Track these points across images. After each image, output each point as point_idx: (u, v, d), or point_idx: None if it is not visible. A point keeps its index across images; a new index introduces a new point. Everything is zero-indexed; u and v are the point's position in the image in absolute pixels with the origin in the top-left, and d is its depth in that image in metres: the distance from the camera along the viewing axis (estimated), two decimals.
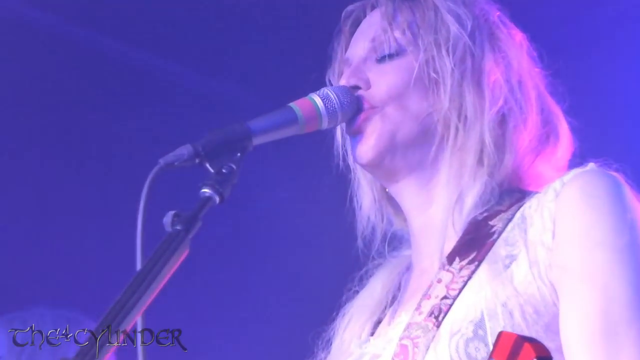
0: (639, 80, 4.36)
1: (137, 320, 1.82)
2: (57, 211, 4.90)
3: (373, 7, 2.47)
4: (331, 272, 2.79)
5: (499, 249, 2.21)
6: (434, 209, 2.35)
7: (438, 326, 2.16)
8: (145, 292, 1.82)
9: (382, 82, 2.35)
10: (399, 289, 2.43)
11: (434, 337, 2.15)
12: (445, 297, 2.19)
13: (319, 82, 2.45)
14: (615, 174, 2.21)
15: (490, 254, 2.21)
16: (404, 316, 2.27)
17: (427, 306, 2.20)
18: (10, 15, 4.46)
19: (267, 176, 4.53)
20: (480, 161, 2.31)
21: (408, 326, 2.21)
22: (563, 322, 2.10)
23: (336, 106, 2.32)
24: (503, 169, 2.31)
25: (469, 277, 2.20)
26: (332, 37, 2.52)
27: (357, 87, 2.36)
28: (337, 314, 2.50)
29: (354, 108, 2.34)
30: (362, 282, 2.51)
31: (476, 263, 2.21)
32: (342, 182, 2.51)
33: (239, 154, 2.12)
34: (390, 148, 2.33)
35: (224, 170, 2.06)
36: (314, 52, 2.52)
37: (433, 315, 2.18)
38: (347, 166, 2.49)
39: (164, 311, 2.73)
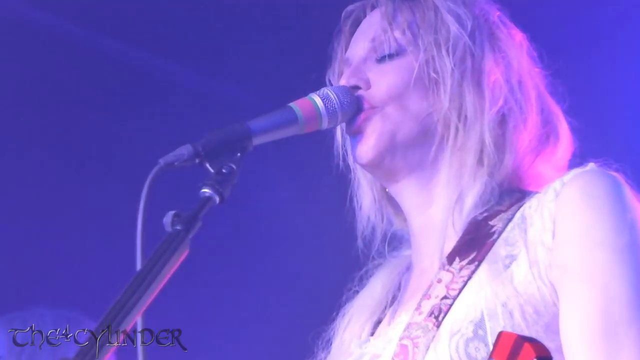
0: (639, 80, 4.36)
1: (137, 320, 1.82)
2: (57, 211, 4.89)
3: (373, 7, 2.47)
4: (331, 272, 2.79)
5: (499, 249, 2.21)
6: (434, 209, 2.35)
7: (438, 326, 2.16)
8: (145, 292, 1.82)
9: (382, 82, 2.35)
10: (399, 289, 2.43)
11: (434, 337, 2.15)
12: (445, 297, 2.19)
13: (319, 82, 2.45)
14: (615, 174, 2.21)
15: (490, 254, 2.21)
16: (404, 316, 2.27)
17: (427, 306, 2.20)
18: (10, 15, 4.46)
19: (267, 176, 4.51)
20: (480, 161, 2.31)
21: (408, 326, 2.21)
22: (563, 322, 2.10)
23: (336, 106, 2.32)
24: (503, 169, 2.31)
25: (469, 277, 2.20)
26: (332, 37, 2.52)
27: (357, 87, 2.36)
28: (337, 314, 2.50)
29: (354, 108, 2.34)
30: (362, 282, 2.51)
31: (476, 263, 2.21)
32: (342, 182, 2.51)
33: (239, 154, 2.12)
34: (390, 148, 2.33)
35: (224, 170, 2.06)
36: (314, 52, 2.52)
37: (433, 315, 2.18)
38: (347, 166, 2.49)
39: (164, 311, 2.73)
